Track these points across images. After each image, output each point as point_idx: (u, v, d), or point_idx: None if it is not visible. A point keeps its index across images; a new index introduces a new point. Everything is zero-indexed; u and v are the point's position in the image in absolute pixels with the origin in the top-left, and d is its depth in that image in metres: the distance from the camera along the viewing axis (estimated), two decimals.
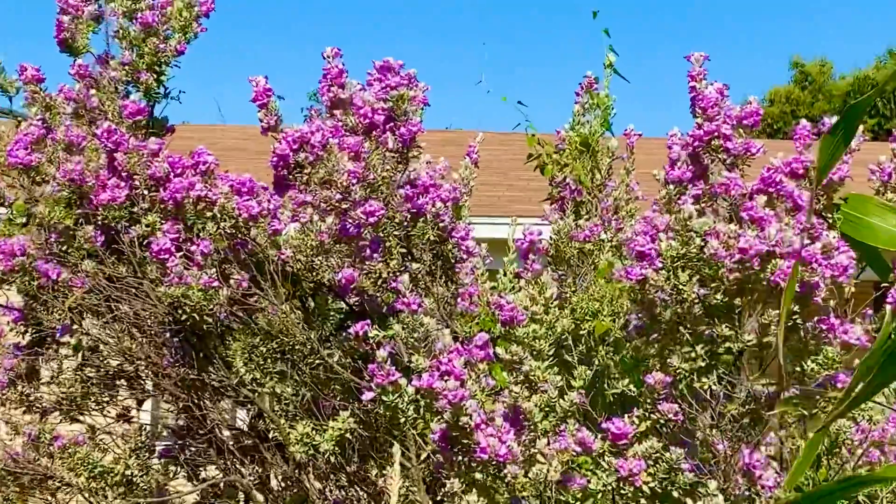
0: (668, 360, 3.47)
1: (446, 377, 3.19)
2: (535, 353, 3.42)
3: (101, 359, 4.47)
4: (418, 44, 43.72)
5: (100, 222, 4.28)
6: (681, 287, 3.36)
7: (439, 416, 3.16)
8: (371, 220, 3.70)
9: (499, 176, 13.04)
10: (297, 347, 4.20)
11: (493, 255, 4.86)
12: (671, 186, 3.67)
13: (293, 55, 43.37)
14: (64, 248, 4.22)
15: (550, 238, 4.68)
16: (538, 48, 44.76)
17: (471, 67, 43.84)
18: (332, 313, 4.40)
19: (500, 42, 41.65)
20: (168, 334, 4.32)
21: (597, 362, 4.46)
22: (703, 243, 3.35)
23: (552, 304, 3.51)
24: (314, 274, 4.23)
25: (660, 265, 3.39)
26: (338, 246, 4.20)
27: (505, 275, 5.04)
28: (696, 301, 3.38)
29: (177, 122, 5.17)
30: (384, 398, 3.17)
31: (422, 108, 4.17)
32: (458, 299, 4.31)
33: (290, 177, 3.87)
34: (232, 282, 4.37)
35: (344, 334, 4.37)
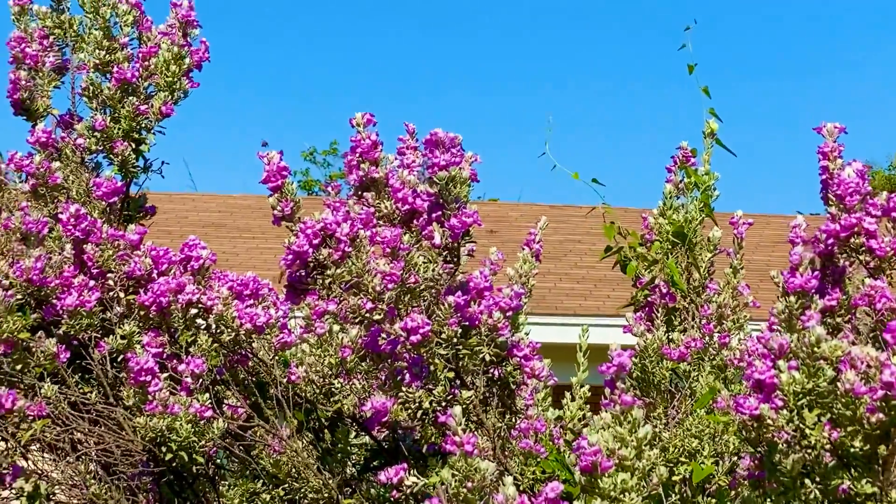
0: None
1: None
2: None
3: None
4: (431, 91, 44.09)
5: (62, 332, 4.43)
6: (807, 430, 3.44)
7: None
8: (413, 338, 3.85)
9: (549, 261, 13.19)
10: (309, 495, 4.32)
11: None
12: (792, 298, 3.79)
13: (268, 103, 43.87)
14: (18, 366, 4.33)
15: (635, 354, 4.81)
16: (609, 106, 44.94)
17: (507, 122, 44.06)
18: (354, 451, 4.52)
19: (554, 91, 41.89)
20: (145, 476, 4.43)
21: None
22: (835, 374, 3.44)
23: (645, 446, 3.62)
24: (332, 400, 4.36)
25: (779, 402, 3.47)
26: (363, 364, 4.33)
27: (573, 400, 5.17)
28: (828, 448, 3.46)
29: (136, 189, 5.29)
30: None
31: (470, 187, 4.31)
32: (517, 432, 4.43)
33: (309, 279, 4.02)
34: (226, 409, 4.51)
35: (368, 476, 4.49)
